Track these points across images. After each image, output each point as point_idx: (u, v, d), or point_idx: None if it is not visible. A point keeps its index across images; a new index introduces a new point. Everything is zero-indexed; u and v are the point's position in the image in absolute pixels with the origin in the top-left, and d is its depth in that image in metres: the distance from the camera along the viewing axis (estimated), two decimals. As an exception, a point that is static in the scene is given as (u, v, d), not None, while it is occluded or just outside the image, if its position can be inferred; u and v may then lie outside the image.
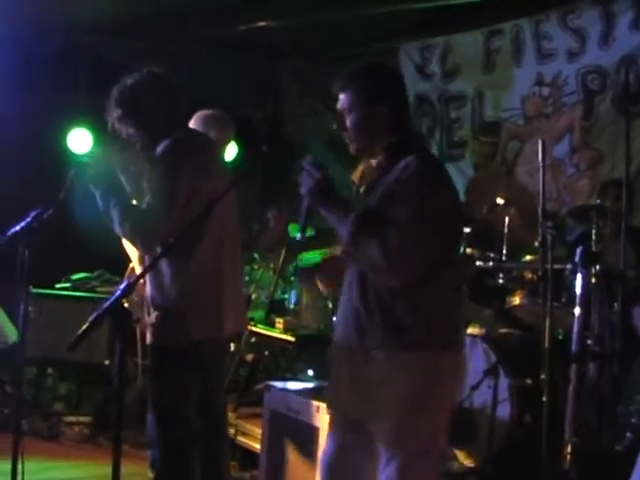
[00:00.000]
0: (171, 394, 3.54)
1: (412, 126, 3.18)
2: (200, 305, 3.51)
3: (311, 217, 2.90)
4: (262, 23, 6.84)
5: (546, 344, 4.18)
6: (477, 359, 4.69)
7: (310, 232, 3.08)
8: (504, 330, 5.17)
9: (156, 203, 3.37)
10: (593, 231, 4.52)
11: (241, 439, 5.11)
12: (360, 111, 2.88)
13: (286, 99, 8.22)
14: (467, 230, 5.00)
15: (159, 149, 3.50)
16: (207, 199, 3.34)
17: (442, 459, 3.26)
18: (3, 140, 6.42)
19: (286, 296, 5.90)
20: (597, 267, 4.37)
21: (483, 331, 5.00)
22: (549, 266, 4.27)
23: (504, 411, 4.57)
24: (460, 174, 6.37)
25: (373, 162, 2.96)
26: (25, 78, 6.70)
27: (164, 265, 3.47)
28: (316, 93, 7.63)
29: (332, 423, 3.06)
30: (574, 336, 4.30)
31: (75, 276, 6.50)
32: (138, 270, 3.98)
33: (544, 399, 4.16)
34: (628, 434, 4.22)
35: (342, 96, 2.92)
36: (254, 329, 5.50)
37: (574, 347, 4.30)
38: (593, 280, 4.37)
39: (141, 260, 3.84)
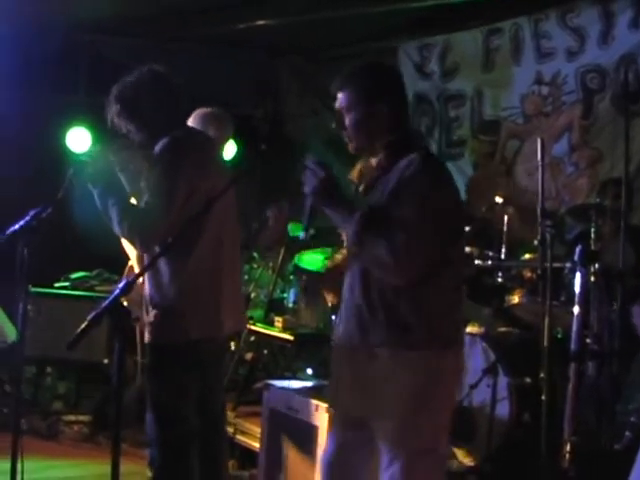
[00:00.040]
0: (170, 393, 3.54)
1: (411, 125, 3.18)
2: (199, 304, 3.51)
3: (315, 216, 2.90)
4: (262, 22, 6.83)
5: (545, 343, 4.18)
6: (476, 358, 4.69)
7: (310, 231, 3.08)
8: (503, 329, 5.17)
9: (154, 202, 3.37)
10: (592, 230, 4.51)
11: (240, 438, 5.12)
12: (359, 110, 2.88)
13: (286, 98, 8.22)
14: (466, 229, 5.00)
15: (157, 148, 3.50)
16: (206, 197, 3.34)
17: (445, 458, 3.26)
18: (3, 140, 6.42)
19: (285, 295, 5.90)
20: (596, 266, 4.37)
21: (482, 330, 5.00)
22: (548, 265, 4.27)
23: (503, 410, 4.57)
24: (459, 173, 6.36)
25: (373, 161, 2.96)
26: (25, 77, 6.70)
27: (163, 264, 3.47)
28: (316, 92, 7.63)
29: (333, 422, 3.06)
30: (573, 335, 4.30)
31: (74, 275, 6.50)
32: (137, 269, 3.98)
33: (543, 398, 4.16)
34: (627, 433, 4.22)
35: (341, 95, 2.92)
36: (253, 328, 5.50)
37: (573, 346, 4.30)
38: (592, 279, 4.37)
39: (140, 259, 3.84)
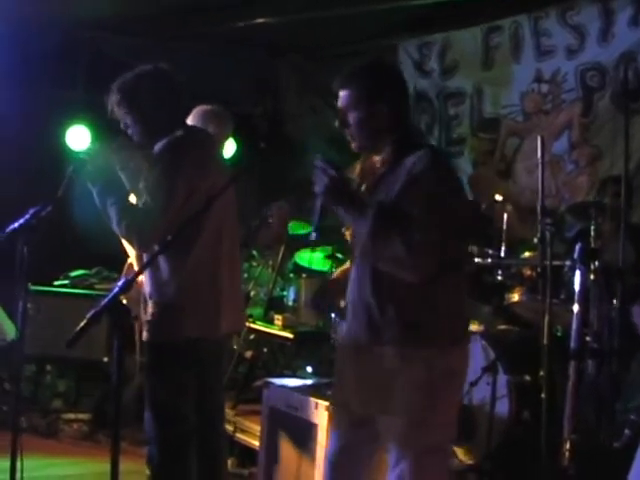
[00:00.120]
0: (168, 391, 3.54)
1: (412, 123, 3.18)
2: (198, 302, 3.50)
3: (325, 216, 2.89)
4: (261, 20, 6.83)
5: (545, 341, 4.18)
6: (476, 356, 4.68)
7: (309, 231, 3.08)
8: (503, 327, 5.17)
9: (153, 202, 3.36)
10: (592, 228, 4.51)
11: (240, 436, 5.12)
12: (361, 110, 2.89)
13: (285, 96, 8.21)
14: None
15: (157, 147, 3.49)
16: (205, 196, 3.34)
17: (451, 456, 3.26)
18: (3, 138, 6.41)
19: (285, 293, 5.91)
20: (596, 264, 4.37)
21: (482, 328, 5.01)
22: (548, 263, 4.27)
23: (503, 408, 4.57)
24: (459, 171, 6.36)
25: (376, 159, 2.96)
26: (24, 74, 6.69)
27: (162, 262, 3.46)
28: (315, 90, 7.63)
29: (336, 421, 3.06)
30: (573, 333, 4.30)
31: (73, 273, 6.51)
32: (136, 267, 3.98)
33: (543, 396, 4.16)
34: (626, 431, 4.21)
35: (342, 94, 2.93)
36: (253, 326, 5.50)
37: (573, 344, 4.30)
38: (592, 277, 4.37)
39: (139, 257, 3.83)
